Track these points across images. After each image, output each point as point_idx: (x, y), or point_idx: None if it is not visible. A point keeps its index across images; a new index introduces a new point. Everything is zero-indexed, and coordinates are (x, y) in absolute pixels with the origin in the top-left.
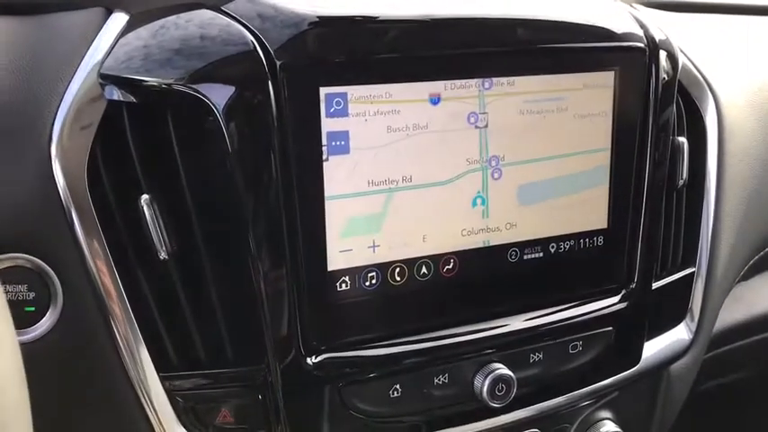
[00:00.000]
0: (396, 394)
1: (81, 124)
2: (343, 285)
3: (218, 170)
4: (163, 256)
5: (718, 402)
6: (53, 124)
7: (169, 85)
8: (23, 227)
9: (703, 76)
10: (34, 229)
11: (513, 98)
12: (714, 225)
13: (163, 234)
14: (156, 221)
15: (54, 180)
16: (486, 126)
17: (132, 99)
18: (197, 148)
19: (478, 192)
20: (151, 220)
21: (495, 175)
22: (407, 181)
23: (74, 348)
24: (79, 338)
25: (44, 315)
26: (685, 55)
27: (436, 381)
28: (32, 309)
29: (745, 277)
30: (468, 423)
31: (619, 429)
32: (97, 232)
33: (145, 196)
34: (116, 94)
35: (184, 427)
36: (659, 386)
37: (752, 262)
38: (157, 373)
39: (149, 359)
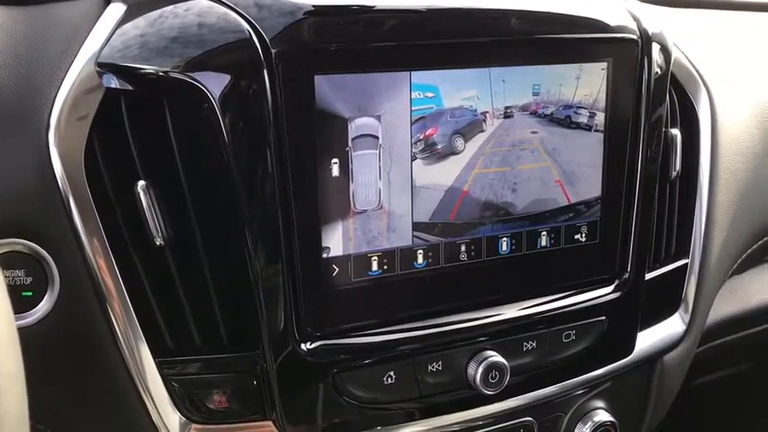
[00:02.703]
0: (390, 381)
1: (78, 112)
2: (338, 273)
3: (213, 158)
4: (159, 242)
5: (712, 397)
6: (50, 112)
7: (166, 72)
8: (21, 212)
9: (697, 70)
10: (32, 214)
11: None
12: (707, 217)
13: (159, 220)
14: (152, 208)
15: (52, 167)
16: (485, 120)
17: (129, 87)
18: (193, 136)
19: (473, 183)
20: (147, 207)
21: (490, 167)
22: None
23: (70, 333)
24: (76, 323)
25: (41, 300)
26: (679, 49)
27: (430, 368)
28: (30, 293)
29: (739, 270)
30: (461, 410)
31: (612, 419)
32: (94, 218)
33: (141, 183)
34: (114, 82)
35: (180, 412)
36: (652, 377)
37: (746, 254)
38: (153, 358)
39: (145, 344)
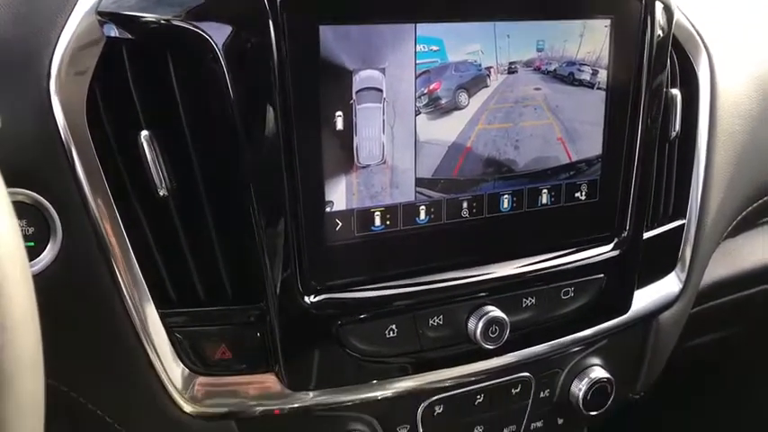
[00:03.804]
0: (391, 334)
1: (79, 62)
2: (341, 228)
3: (217, 108)
4: (162, 193)
5: (704, 360)
6: (51, 61)
7: (167, 21)
8: (23, 162)
9: (697, 32)
10: (33, 164)
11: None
12: (705, 178)
13: (162, 171)
14: (155, 158)
15: (53, 116)
16: (489, 75)
17: (130, 36)
18: (196, 86)
19: (476, 139)
20: (150, 157)
21: (493, 123)
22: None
23: (74, 284)
24: (79, 274)
25: (43, 250)
26: (680, 11)
27: (431, 322)
28: (32, 244)
29: (733, 233)
30: (461, 364)
31: (608, 375)
32: (96, 168)
33: (144, 132)
34: (114, 31)
35: (183, 363)
36: (648, 335)
37: (741, 216)
38: (157, 309)
39: (149, 295)
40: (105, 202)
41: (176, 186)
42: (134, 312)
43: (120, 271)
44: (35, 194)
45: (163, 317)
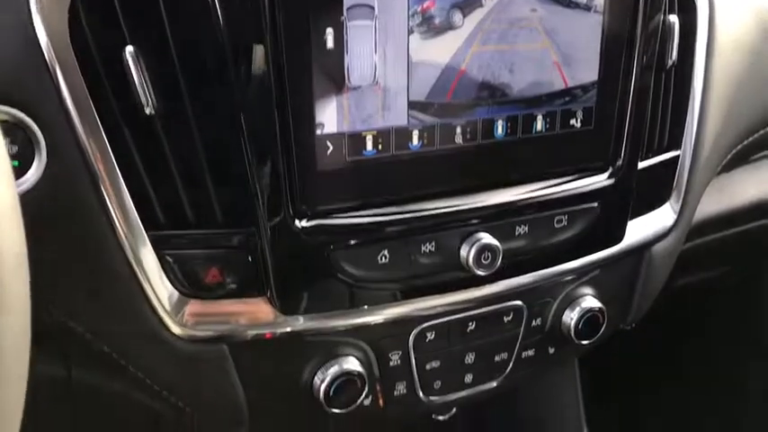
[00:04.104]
0: (384, 260)
1: None
2: (333, 151)
3: (204, 24)
4: (149, 111)
5: (693, 300)
6: None
7: None
8: (4, 81)
9: None
10: (15, 81)
11: None
12: (701, 109)
13: (148, 88)
14: (141, 75)
15: (33, 28)
16: None
17: None
18: (183, 2)
19: (471, 61)
20: (136, 73)
21: (488, 44)
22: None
23: (60, 205)
24: (65, 195)
25: (28, 170)
26: None
27: (423, 248)
28: (16, 163)
29: (728, 168)
30: (453, 291)
31: (600, 305)
32: (80, 84)
33: (129, 48)
34: None
35: (173, 286)
36: (641, 267)
37: (736, 150)
38: (146, 231)
39: (137, 217)
40: (90, 120)
41: (163, 105)
42: (122, 234)
43: (106, 191)
44: (17, 112)
45: (152, 239)
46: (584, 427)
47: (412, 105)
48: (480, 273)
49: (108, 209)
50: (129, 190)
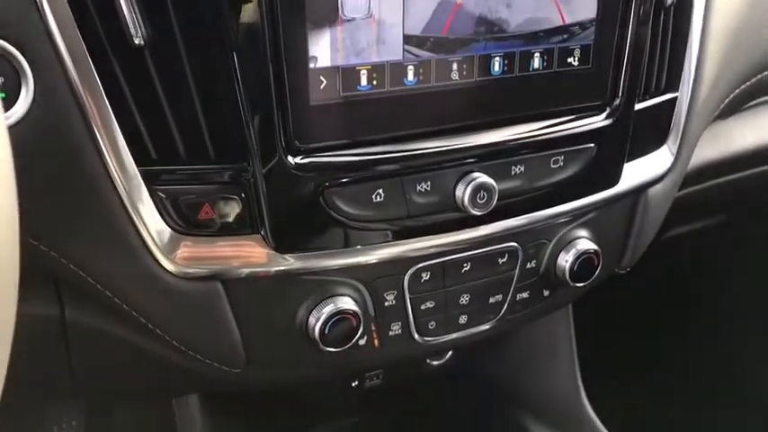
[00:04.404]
0: (378, 199)
1: None
2: (326, 86)
3: None
4: (138, 41)
5: (691, 245)
6: None
7: None
8: None
9: None
10: None
11: None
12: (699, 51)
13: (137, 16)
14: (129, 3)
15: None
16: None
17: None
18: None
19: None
20: (124, 1)
21: None
22: None
23: (49, 139)
24: (54, 128)
25: (15, 103)
26: None
27: (418, 187)
28: (3, 95)
29: (725, 115)
30: (448, 232)
31: (595, 247)
32: (67, 13)
33: None
34: None
35: (165, 222)
36: (636, 209)
37: (734, 94)
38: (137, 166)
39: (128, 151)
40: (78, 51)
41: (152, 35)
42: (113, 168)
43: (96, 125)
44: (3, 43)
45: (143, 174)
46: (577, 368)
47: (407, 40)
48: (475, 212)
49: (98, 143)
50: (119, 124)
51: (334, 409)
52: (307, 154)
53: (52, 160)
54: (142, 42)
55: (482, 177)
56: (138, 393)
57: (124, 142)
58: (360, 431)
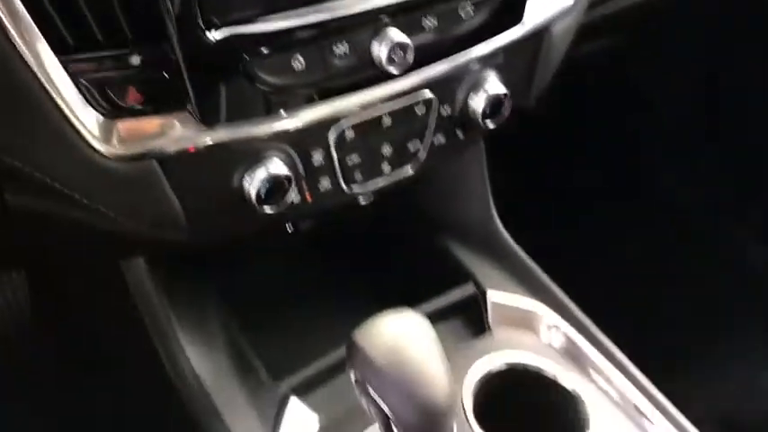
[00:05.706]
0: (299, 66)
1: None
2: None
3: None
4: None
5: (594, 67)
6: None
7: None
8: None
9: None
10: None
11: None
12: None
13: None
14: None
15: None
16: None
17: None
18: None
19: None
20: None
21: None
22: None
23: None
24: None
25: None
26: None
27: (336, 51)
28: None
29: None
30: (367, 88)
31: (504, 90)
32: None
33: None
34: None
35: (95, 110)
36: (541, 46)
37: None
38: (56, 56)
39: (43, 41)
40: None
41: None
42: (32, 60)
43: (4, 14)
44: None
45: (63, 64)
46: (491, 198)
47: None
48: (393, 70)
49: (9, 34)
50: (30, 14)
51: (272, 250)
52: (223, 27)
53: None
54: None
55: (397, 36)
56: (86, 259)
57: (37, 31)
58: (294, 265)
